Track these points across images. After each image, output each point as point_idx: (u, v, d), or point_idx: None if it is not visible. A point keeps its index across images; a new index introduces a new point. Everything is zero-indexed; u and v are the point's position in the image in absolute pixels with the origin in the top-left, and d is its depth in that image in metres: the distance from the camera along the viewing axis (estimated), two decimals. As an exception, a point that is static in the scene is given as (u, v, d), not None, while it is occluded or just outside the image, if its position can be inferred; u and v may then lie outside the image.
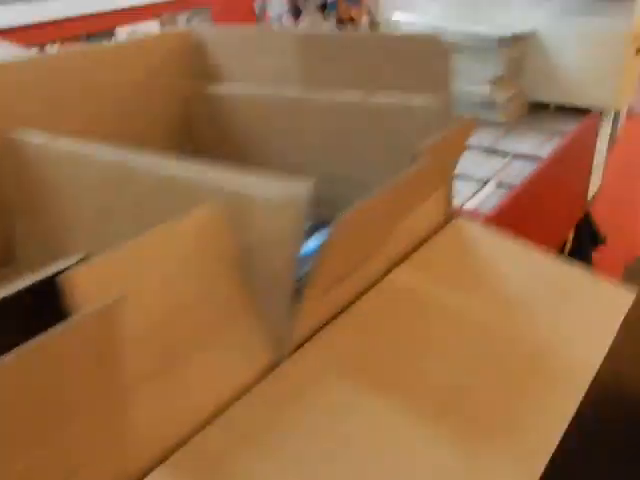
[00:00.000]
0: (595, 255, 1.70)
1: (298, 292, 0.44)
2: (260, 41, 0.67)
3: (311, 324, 0.45)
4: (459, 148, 0.55)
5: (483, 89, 1.32)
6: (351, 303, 0.48)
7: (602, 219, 1.66)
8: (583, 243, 1.61)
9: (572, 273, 0.56)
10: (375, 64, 0.59)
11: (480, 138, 1.29)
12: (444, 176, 0.57)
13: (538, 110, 1.41)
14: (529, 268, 0.55)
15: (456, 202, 1.07)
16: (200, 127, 0.75)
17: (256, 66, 0.68)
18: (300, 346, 0.45)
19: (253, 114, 0.70)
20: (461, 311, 0.49)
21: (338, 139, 0.64)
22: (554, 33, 1.31)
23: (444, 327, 0.48)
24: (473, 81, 1.32)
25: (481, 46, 1.28)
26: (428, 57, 0.55)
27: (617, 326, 0.51)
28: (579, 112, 1.37)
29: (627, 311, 0.52)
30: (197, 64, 0.73)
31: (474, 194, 1.08)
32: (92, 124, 0.68)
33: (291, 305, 0.43)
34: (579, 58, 1.31)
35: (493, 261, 0.55)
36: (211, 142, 0.76)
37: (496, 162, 1.20)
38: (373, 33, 0.58)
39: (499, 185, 1.11)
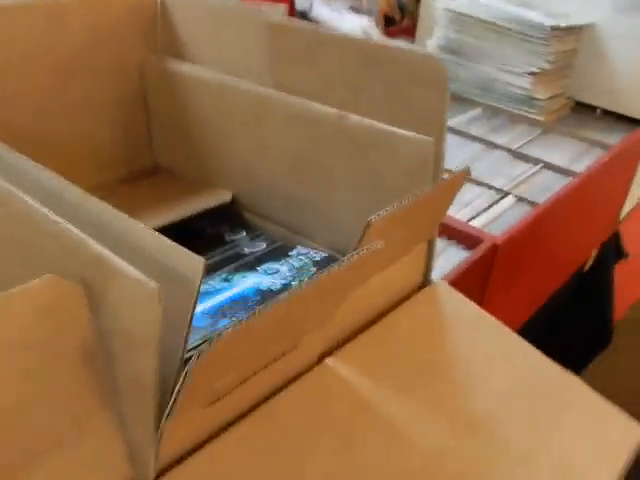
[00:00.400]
0: (621, 270, 1.56)
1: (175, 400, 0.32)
2: (232, 20, 0.53)
3: (188, 439, 0.34)
4: (442, 206, 0.43)
5: (524, 82, 1.16)
6: (259, 403, 0.37)
7: (635, 234, 1.51)
8: (607, 259, 1.47)
9: (567, 382, 0.43)
10: (357, 77, 0.46)
11: (510, 137, 1.14)
12: (419, 238, 0.44)
13: (582, 112, 1.25)
14: (510, 370, 0.43)
15: (465, 214, 0.94)
16: (155, 102, 0.63)
17: (223, 48, 0.55)
18: (170, 468, 0.34)
19: (214, 103, 0.57)
20: (400, 429, 0.38)
21: (307, 156, 0.52)
22: (614, 29, 1.14)
23: (370, 449, 0.36)
24: (514, 71, 1.17)
25: (530, 33, 1.12)
26: (422, 81, 0.42)
27: (619, 470, 0.39)
28: (628, 121, 1.21)
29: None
30: (158, 31, 0.60)
31: (487, 207, 0.95)
32: (36, 89, 0.55)
33: (159, 416, 0.32)
34: (638, 60, 1.15)
35: (462, 352, 0.43)
36: (167, 120, 0.63)
37: (521, 169, 1.06)
38: (361, 39, 0.44)
39: (519, 199, 0.97)
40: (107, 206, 0.34)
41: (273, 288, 0.49)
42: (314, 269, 0.51)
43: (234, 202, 0.60)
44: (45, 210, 0.32)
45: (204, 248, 0.56)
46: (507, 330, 0.46)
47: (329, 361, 0.40)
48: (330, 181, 0.51)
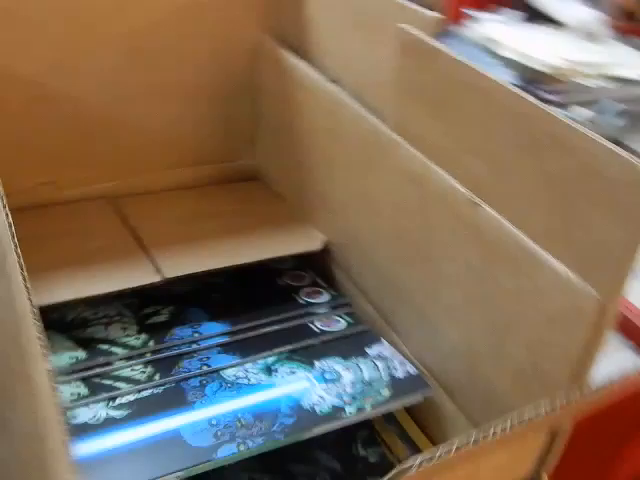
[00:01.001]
0: None
1: None
2: (368, 22, 0.38)
3: None
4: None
5: None
6: None
7: None
8: None
9: None
10: (506, 155, 0.29)
11: None
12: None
13: None
14: None
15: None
16: (263, 98, 0.50)
17: (351, 55, 0.40)
18: None
19: (327, 124, 0.44)
20: None
21: (417, 232, 0.37)
22: None
23: None
24: None
25: None
26: (609, 199, 0.25)
27: None
28: None
29: None
30: (276, 12, 0.46)
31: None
32: (115, 68, 0.45)
33: None
34: None
35: None
36: (274, 122, 0.50)
37: None
38: (532, 105, 0.27)
39: None
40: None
41: (317, 409, 0.35)
42: (386, 393, 0.37)
43: (325, 249, 0.46)
44: None
45: (270, 306, 0.43)
46: None
47: None
48: (438, 274, 0.36)
